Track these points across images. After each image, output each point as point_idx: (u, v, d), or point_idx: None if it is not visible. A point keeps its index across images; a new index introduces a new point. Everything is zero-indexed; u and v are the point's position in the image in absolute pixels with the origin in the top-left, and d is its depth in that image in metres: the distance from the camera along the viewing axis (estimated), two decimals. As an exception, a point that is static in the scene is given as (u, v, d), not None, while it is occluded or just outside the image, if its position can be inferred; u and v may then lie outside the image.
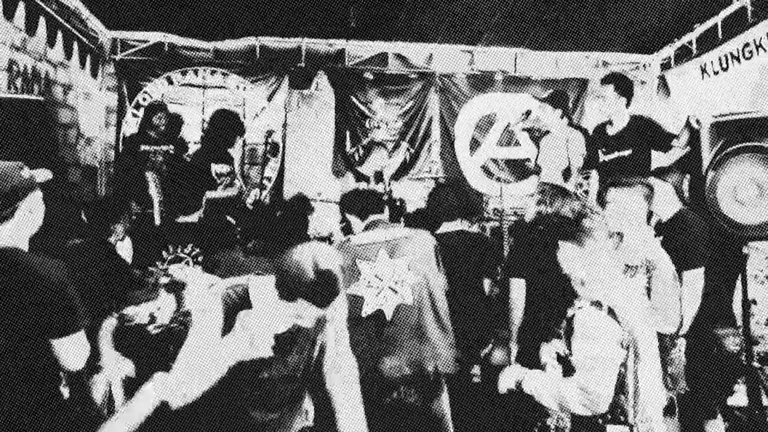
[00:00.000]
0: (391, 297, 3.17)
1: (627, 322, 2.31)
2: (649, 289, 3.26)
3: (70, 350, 2.34)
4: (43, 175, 2.49)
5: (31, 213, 2.42)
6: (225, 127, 5.89)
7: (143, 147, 6.40)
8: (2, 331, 2.23)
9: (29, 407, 2.31)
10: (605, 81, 5.01)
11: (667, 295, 3.26)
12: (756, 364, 3.64)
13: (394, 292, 3.17)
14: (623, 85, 4.92)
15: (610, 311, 2.31)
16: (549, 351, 2.54)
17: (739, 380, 3.99)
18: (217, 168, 5.83)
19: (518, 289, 3.52)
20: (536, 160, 5.81)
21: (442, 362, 3.15)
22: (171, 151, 6.54)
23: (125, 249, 3.90)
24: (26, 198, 2.39)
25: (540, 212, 3.60)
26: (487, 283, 3.98)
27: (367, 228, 3.45)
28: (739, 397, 3.93)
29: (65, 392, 2.50)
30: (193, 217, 3.80)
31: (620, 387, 2.29)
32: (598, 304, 2.34)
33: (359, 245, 3.27)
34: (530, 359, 3.15)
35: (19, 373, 2.28)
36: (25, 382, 2.30)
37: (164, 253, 3.63)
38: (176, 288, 3.05)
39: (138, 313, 2.99)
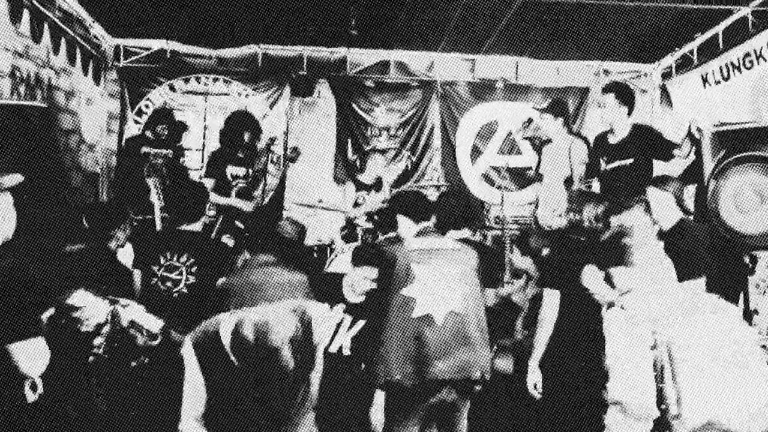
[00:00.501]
0: (443, 303, 3.25)
1: (657, 323, 2.32)
2: None
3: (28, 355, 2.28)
4: (11, 180, 2.41)
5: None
6: (241, 128, 5.91)
7: (144, 149, 6.44)
8: None
9: None
10: (606, 90, 5.02)
11: None
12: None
13: (445, 299, 3.26)
14: (625, 94, 4.92)
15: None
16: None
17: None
18: (232, 170, 5.84)
19: (553, 299, 3.52)
20: (537, 168, 5.81)
21: (486, 370, 3.28)
22: (170, 155, 6.58)
23: (126, 255, 3.90)
24: None
25: (571, 221, 3.64)
26: (490, 293, 3.98)
27: (420, 233, 3.53)
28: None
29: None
30: (196, 226, 3.79)
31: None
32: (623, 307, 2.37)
33: (416, 250, 3.37)
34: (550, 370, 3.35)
35: None
36: None
37: (162, 258, 3.62)
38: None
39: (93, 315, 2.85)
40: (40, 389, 2.44)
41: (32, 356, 2.28)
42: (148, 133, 6.65)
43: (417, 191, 3.98)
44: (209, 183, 5.88)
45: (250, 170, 6.04)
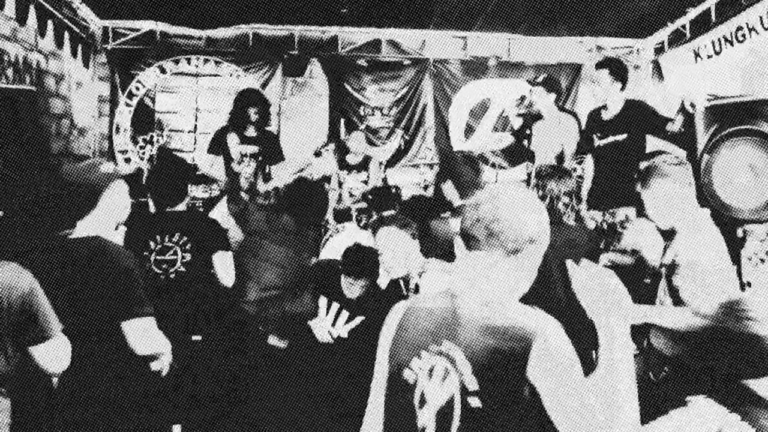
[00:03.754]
0: None
1: None
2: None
3: (137, 335, 2.57)
4: (128, 168, 2.73)
5: (113, 204, 2.69)
6: (247, 105, 5.84)
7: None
8: (82, 312, 2.46)
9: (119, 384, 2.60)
10: (600, 66, 5.01)
11: None
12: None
13: None
14: (618, 70, 4.92)
15: None
16: None
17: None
18: (242, 149, 5.81)
19: None
20: (527, 143, 5.81)
21: None
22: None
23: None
24: (107, 190, 2.65)
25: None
26: None
27: (460, 211, 3.49)
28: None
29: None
30: (181, 207, 3.79)
31: None
32: None
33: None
34: None
35: (92, 352, 2.50)
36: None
37: (152, 243, 3.61)
38: None
39: None
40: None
41: (139, 336, 2.58)
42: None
43: (473, 159, 3.90)
44: (210, 159, 5.87)
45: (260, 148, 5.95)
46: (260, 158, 5.90)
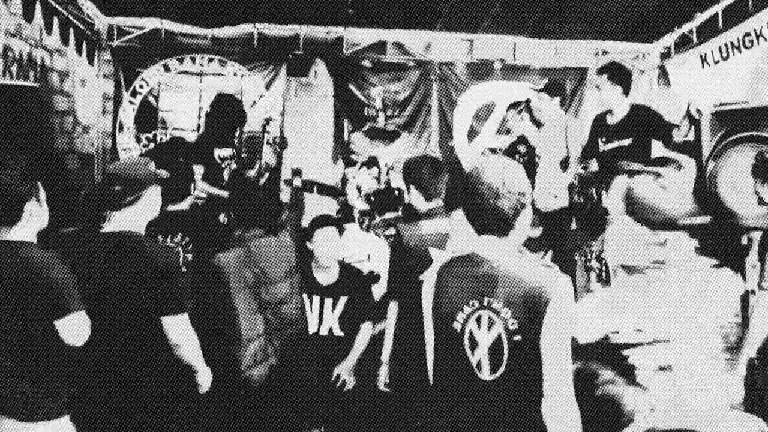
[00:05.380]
0: None
1: None
2: None
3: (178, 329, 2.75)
4: (164, 172, 2.92)
5: (153, 202, 2.85)
6: (227, 110, 5.85)
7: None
8: (120, 305, 2.64)
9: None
10: (600, 71, 4.99)
11: None
12: (752, 354, 3.64)
13: None
14: (618, 74, 4.89)
15: None
16: None
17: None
18: (220, 152, 5.80)
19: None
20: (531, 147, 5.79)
21: None
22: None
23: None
24: (149, 188, 2.81)
25: (574, 203, 3.67)
26: None
27: (431, 213, 3.45)
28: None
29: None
30: (183, 205, 3.78)
31: None
32: None
33: (432, 234, 3.36)
34: None
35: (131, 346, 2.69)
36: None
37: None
38: None
39: None
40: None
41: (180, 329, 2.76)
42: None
43: (432, 159, 3.88)
44: (199, 170, 5.85)
45: (236, 150, 5.99)
46: (238, 159, 5.93)
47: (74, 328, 2.56)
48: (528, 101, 5.56)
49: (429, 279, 2.22)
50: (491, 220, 2.09)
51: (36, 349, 2.56)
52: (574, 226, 5.08)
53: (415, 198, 3.56)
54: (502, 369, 2.03)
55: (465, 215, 2.19)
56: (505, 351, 2.02)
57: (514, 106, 6.59)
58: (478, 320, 2.06)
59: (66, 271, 2.56)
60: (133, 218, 2.76)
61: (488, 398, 2.06)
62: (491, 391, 2.06)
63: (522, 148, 5.92)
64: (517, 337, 2.01)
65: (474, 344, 2.07)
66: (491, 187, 2.06)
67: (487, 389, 2.06)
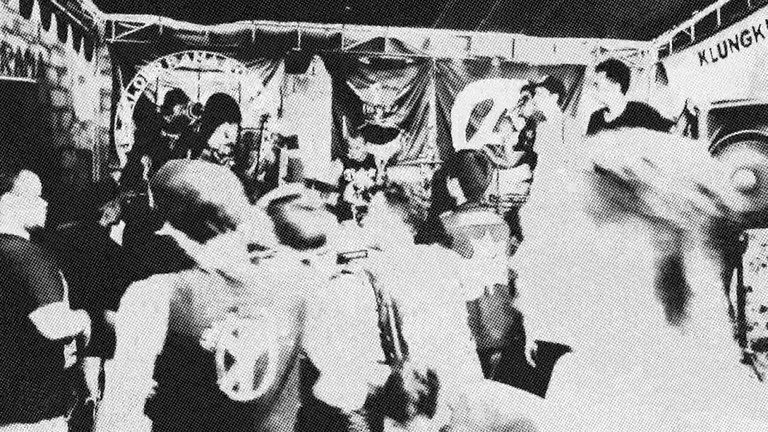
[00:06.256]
0: (492, 275, 3.55)
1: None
2: None
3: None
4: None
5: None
6: (222, 111, 5.86)
7: (163, 133, 6.40)
8: None
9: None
10: (599, 68, 4.99)
11: None
12: (749, 350, 3.66)
13: (494, 272, 3.57)
14: (616, 71, 4.88)
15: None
16: None
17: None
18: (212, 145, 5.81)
19: None
20: (531, 145, 5.79)
21: (520, 336, 3.67)
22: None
23: (119, 233, 3.87)
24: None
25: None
26: None
27: (467, 206, 3.67)
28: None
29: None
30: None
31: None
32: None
33: (470, 225, 3.57)
34: None
35: None
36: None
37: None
38: None
39: None
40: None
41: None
42: (166, 118, 6.60)
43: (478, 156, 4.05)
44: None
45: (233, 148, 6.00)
46: (236, 156, 5.94)
47: (48, 321, 2.53)
48: (533, 84, 5.59)
49: (156, 299, 1.72)
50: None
51: (25, 345, 2.55)
52: None
53: (454, 190, 3.72)
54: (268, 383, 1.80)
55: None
56: (272, 363, 1.80)
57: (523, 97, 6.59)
58: (235, 333, 1.75)
59: (41, 264, 2.55)
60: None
61: (250, 419, 1.79)
62: (255, 410, 1.79)
63: (530, 134, 5.92)
64: (290, 342, 1.84)
65: (230, 362, 1.73)
66: (187, 190, 1.77)
67: (250, 408, 1.78)
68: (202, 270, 1.78)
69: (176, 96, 6.81)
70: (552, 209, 0.87)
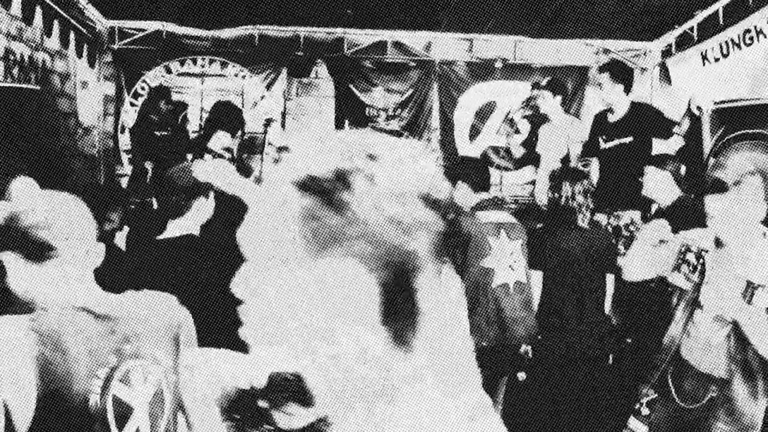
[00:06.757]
0: (511, 273, 3.61)
1: None
2: None
3: None
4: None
5: (208, 204, 2.75)
6: (226, 118, 5.86)
7: (156, 133, 6.42)
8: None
9: None
10: (602, 69, 5.00)
11: None
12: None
13: (512, 269, 3.61)
14: (619, 72, 4.89)
15: None
16: None
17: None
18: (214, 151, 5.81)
19: (535, 280, 3.73)
20: (533, 146, 5.78)
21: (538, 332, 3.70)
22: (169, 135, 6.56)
23: (123, 239, 3.88)
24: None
25: (550, 198, 3.75)
26: None
27: (483, 205, 3.77)
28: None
29: None
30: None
31: None
32: None
33: (487, 223, 3.65)
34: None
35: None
36: None
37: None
38: None
39: None
40: None
41: None
42: (150, 115, 6.62)
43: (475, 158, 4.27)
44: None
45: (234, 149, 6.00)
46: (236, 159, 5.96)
47: None
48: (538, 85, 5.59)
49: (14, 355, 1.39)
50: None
51: None
52: None
53: (463, 192, 3.81)
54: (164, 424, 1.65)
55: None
56: (168, 404, 1.67)
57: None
58: (125, 378, 1.55)
59: None
60: (187, 223, 2.73)
61: None
62: None
63: (534, 136, 5.91)
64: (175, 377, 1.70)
65: (127, 413, 1.55)
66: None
67: None
68: (61, 308, 1.53)
69: (159, 92, 6.84)
70: (268, 231, 0.74)
